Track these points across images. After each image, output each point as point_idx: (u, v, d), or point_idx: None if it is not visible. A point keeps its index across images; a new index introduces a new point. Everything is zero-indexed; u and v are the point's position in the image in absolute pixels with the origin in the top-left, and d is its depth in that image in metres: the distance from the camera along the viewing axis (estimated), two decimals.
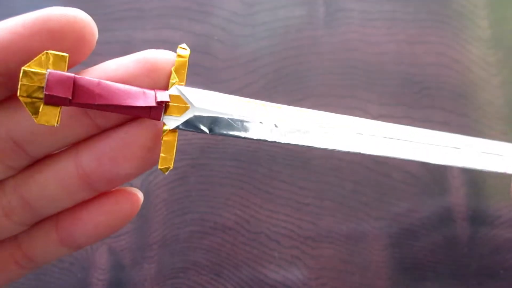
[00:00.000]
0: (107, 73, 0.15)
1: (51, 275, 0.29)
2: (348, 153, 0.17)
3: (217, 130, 0.15)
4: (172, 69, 0.16)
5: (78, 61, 0.15)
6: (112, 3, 0.34)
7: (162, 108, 0.15)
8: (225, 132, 0.15)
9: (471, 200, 0.30)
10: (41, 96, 0.14)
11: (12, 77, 0.14)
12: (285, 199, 0.30)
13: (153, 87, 0.15)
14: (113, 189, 0.17)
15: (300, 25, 0.34)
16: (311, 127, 0.16)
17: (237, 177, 0.31)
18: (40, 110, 0.14)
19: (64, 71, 0.14)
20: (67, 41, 0.14)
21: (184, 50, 0.16)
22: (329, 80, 0.32)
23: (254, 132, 0.16)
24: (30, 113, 0.14)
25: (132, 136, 0.15)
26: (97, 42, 0.36)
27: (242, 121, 0.16)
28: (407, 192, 0.30)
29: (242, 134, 0.16)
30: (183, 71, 0.16)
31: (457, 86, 0.32)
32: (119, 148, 0.15)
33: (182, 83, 0.16)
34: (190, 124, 0.15)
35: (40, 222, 0.17)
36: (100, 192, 0.16)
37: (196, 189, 0.31)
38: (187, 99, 0.15)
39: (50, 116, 0.14)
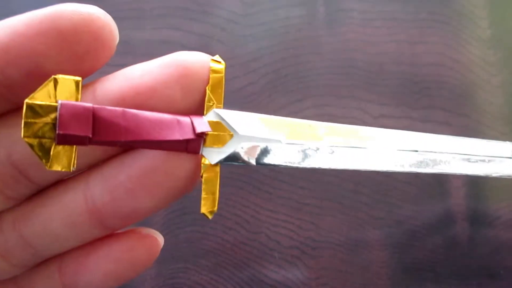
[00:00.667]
0: (132, 83, 0.12)
1: None
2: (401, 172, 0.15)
3: (267, 160, 0.13)
4: (207, 88, 0.13)
5: (95, 69, 0.12)
6: (112, 3, 0.34)
7: (201, 140, 0.12)
8: (277, 163, 0.13)
9: (471, 200, 0.30)
10: (52, 135, 0.11)
11: (12, 87, 0.11)
12: (285, 199, 0.30)
13: (189, 105, 0.12)
14: (127, 229, 0.14)
15: (300, 25, 0.34)
16: (367, 146, 0.14)
17: (237, 177, 0.31)
18: (51, 153, 0.11)
19: (78, 100, 0.11)
20: (82, 44, 0.11)
21: (218, 64, 0.13)
22: (329, 80, 0.32)
23: (311, 160, 0.13)
24: (39, 158, 0.11)
25: (157, 162, 0.12)
26: None
27: (297, 149, 0.13)
28: (407, 192, 0.30)
29: (297, 163, 0.13)
30: (220, 91, 0.13)
31: (457, 86, 0.32)
32: (138, 177, 0.12)
33: (220, 105, 0.13)
34: (236, 157, 0.13)
35: (42, 264, 0.14)
36: (112, 230, 0.14)
37: (196, 189, 0.31)
38: (229, 125, 0.13)
39: (64, 159, 0.11)
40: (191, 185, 0.13)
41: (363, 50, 0.33)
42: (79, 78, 0.11)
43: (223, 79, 0.13)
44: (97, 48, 0.12)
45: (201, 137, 0.12)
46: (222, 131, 0.13)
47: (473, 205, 0.30)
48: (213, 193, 0.13)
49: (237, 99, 0.32)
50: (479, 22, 0.33)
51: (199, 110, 0.13)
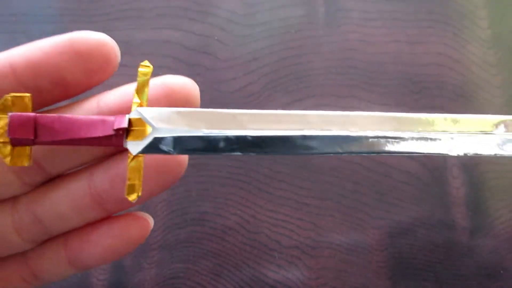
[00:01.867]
0: (128, 98, 0.15)
1: None
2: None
3: (182, 150, 0.15)
4: (134, 90, 0.15)
5: (102, 80, 0.16)
6: (112, 3, 0.34)
7: (122, 135, 0.14)
8: (192, 151, 0.15)
9: (471, 200, 0.30)
10: (7, 139, 0.14)
11: (40, 93, 0.15)
12: (285, 199, 0.30)
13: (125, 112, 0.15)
14: (124, 213, 0.16)
15: (300, 25, 0.34)
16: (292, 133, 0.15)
17: (237, 177, 0.31)
18: (9, 152, 0.14)
19: (28, 111, 0.14)
20: (94, 62, 0.15)
21: (146, 68, 0.16)
22: (329, 80, 0.32)
23: (224, 147, 0.14)
24: (2, 157, 0.14)
25: (146, 159, 0.15)
26: None
27: (209, 138, 0.14)
28: (407, 192, 0.30)
29: (211, 152, 0.15)
30: (146, 90, 0.15)
31: (457, 86, 0.32)
32: None
33: (144, 103, 0.15)
34: (153, 148, 0.14)
35: (49, 241, 0.17)
36: (111, 213, 0.16)
37: (196, 189, 0.31)
38: (147, 120, 0.15)
39: (22, 157, 0.14)
40: (175, 179, 0.16)
41: (363, 50, 0.33)
42: (27, 94, 0.14)
43: (149, 81, 0.15)
44: (105, 66, 0.15)
45: (119, 132, 0.14)
46: (142, 126, 0.15)
47: (473, 205, 0.30)
48: (138, 180, 0.14)
49: (237, 99, 0.32)
50: (479, 22, 0.33)
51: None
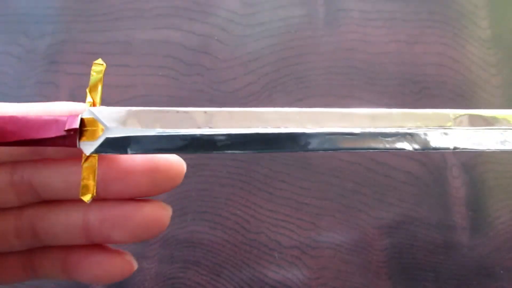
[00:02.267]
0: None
1: None
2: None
3: (136, 149, 0.14)
4: (87, 90, 0.15)
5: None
6: (112, 3, 0.34)
7: (75, 135, 0.14)
8: (144, 150, 0.15)
9: (471, 200, 0.30)
10: None
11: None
12: (285, 199, 0.30)
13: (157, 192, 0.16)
14: (113, 251, 0.18)
15: (300, 25, 0.34)
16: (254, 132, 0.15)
17: (237, 177, 0.31)
18: None
19: None
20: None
21: (98, 66, 0.15)
22: (329, 80, 0.32)
23: (177, 145, 0.14)
24: None
25: (132, 214, 0.17)
26: (97, 42, 0.36)
27: (162, 137, 0.14)
28: (407, 192, 0.30)
29: (165, 151, 0.15)
30: (99, 89, 0.15)
31: (457, 86, 0.32)
32: (118, 219, 0.17)
33: (97, 103, 0.15)
34: (107, 147, 0.14)
35: (49, 248, 0.18)
36: (98, 243, 0.18)
37: (196, 189, 0.31)
38: (100, 120, 0.14)
39: None
40: (156, 233, 0.18)
41: (363, 50, 0.33)
42: None
43: (102, 80, 0.15)
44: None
45: (70, 133, 0.14)
46: (95, 126, 0.14)
47: (473, 205, 0.30)
48: (92, 180, 0.14)
49: (237, 99, 0.32)
50: (479, 22, 0.33)
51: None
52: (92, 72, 0.15)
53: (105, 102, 0.32)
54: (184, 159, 0.31)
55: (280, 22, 0.34)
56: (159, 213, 0.17)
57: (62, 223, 0.17)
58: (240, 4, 0.34)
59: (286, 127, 0.15)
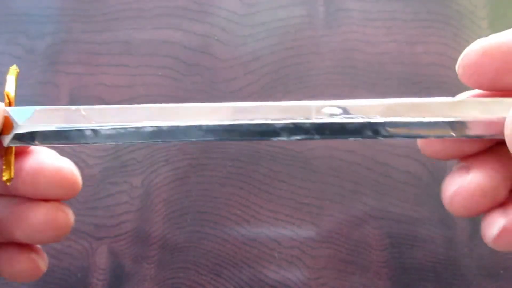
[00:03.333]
0: None
1: (51, 275, 0.29)
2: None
3: (42, 141, 0.18)
4: (4, 91, 0.18)
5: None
6: (112, 3, 0.34)
7: None
8: (49, 142, 0.18)
9: None
10: None
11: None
12: (285, 199, 0.30)
13: None
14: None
15: (300, 25, 0.34)
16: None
17: (237, 177, 0.31)
18: None
19: None
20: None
21: (14, 70, 0.19)
22: (329, 80, 0.32)
23: (76, 138, 0.18)
24: None
25: (28, 212, 0.18)
26: (97, 42, 0.36)
27: (63, 131, 0.18)
28: (407, 192, 0.30)
29: (65, 142, 0.18)
30: (13, 89, 0.18)
31: (457, 86, 0.32)
32: (16, 217, 0.18)
33: (12, 102, 0.18)
34: (18, 140, 0.18)
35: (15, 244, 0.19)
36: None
37: (196, 189, 0.31)
38: (12, 118, 0.18)
39: None
40: (51, 233, 0.18)
41: (363, 50, 0.33)
42: None
43: (15, 81, 0.18)
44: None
45: None
46: (9, 123, 0.18)
47: None
48: (10, 166, 0.17)
49: (237, 99, 0.32)
50: (479, 22, 0.33)
51: None
52: (7, 76, 0.18)
53: (105, 101, 0.32)
54: (185, 159, 0.31)
55: (280, 22, 0.34)
56: (55, 214, 0.18)
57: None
58: (240, 4, 0.34)
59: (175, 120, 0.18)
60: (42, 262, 0.19)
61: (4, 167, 0.17)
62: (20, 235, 0.18)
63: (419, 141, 0.18)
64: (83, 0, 0.34)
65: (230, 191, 0.30)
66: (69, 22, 0.34)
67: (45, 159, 0.18)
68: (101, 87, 0.32)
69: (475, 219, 0.30)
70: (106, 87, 0.32)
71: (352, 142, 0.31)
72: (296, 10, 0.34)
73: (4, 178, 0.17)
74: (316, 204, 0.30)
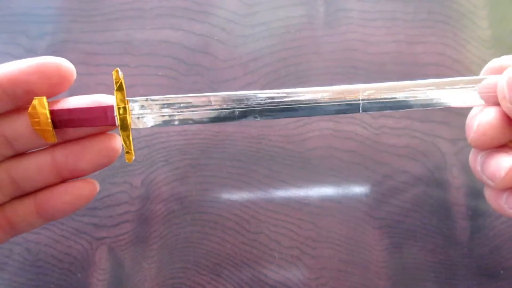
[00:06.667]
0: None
1: (51, 275, 0.29)
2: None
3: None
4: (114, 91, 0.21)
5: (61, 91, 0.21)
6: (112, 3, 0.34)
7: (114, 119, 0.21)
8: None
9: (471, 200, 0.30)
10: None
11: (16, 98, 0.20)
12: (285, 199, 0.30)
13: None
14: (78, 179, 0.22)
15: (300, 25, 0.34)
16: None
17: (237, 177, 0.31)
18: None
19: (46, 107, 0.21)
20: (54, 79, 0.20)
21: (117, 73, 0.21)
22: (329, 80, 0.32)
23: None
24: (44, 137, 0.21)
25: (89, 145, 0.21)
26: (97, 42, 0.36)
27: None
28: (407, 192, 0.30)
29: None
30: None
31: None
32: (79, 151, 0.21)
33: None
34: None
35: (22, 197, 0.22)
36: (67, 179, 0.22)
37: (196, 189, 0.31)
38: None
39: (50, 136, 0.21)
40: (112, 158, 0.22)
41: (363, 50, 0.33)
42: (44, 97, 0.20)
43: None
44: (63, 81, 0.21)
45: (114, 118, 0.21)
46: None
47: (473, 205, 0.30)
48: (130, 148, 0.21)
49: None
50: (479, 22, 0.33)
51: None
52: (116, 79, 0.21)
53: None
54: (185, 159, 0.31)
55: (280, 22, 0.34)
56: (110, 142, 0.21)
57: (34, 165, 0.21)
58: (240, 4, 0.34)
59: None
60: (95, 181, 0.22)
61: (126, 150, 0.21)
62: (84, 164, 0.21)
63: (469, 134, 0.21)
64: (83, 0, 0.34)
65: (230, 191, 0.30)
66: (69, 22, 0.34)
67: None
68: (101, 87, 0.32)
69: (475, 219, 0.30)
70: (106, 87, 0.32)
71: (352, 142, 0.31)
72: (296, 10, 0.34)
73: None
74: (316, 204, 0.30)
